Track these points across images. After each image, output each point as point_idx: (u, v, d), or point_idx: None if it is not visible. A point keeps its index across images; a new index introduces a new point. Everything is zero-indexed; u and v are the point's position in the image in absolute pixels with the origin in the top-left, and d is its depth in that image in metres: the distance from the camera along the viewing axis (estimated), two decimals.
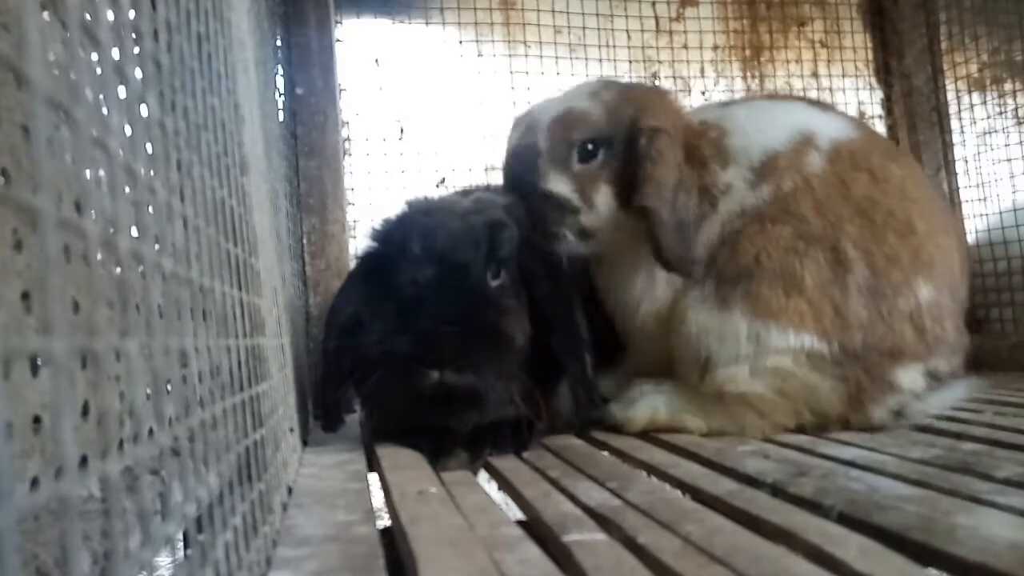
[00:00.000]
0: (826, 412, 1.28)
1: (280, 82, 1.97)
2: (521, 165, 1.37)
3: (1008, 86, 2.28)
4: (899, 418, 1.28)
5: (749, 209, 1.32)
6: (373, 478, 1.12)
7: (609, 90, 1.41)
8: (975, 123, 2.33)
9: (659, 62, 2.40)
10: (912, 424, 1.27)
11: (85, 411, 0.60)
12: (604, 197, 1.34)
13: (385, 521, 0.88)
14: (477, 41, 2.26)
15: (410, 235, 1.27)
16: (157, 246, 0.47)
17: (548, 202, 1.33)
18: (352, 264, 2.03)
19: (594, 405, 1.28)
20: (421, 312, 1.17)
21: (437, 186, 2.18)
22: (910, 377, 1.28)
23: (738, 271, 1.28)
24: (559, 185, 1.33)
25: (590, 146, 1.34)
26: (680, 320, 1.32)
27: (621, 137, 1.34)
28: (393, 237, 1.31)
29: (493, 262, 1.25)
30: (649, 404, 1.37)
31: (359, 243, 2.06)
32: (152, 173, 0.47)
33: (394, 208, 1.43)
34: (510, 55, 2.28)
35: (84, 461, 0.58)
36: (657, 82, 2.39)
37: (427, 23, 2.24)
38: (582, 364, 1.24)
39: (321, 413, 1.43)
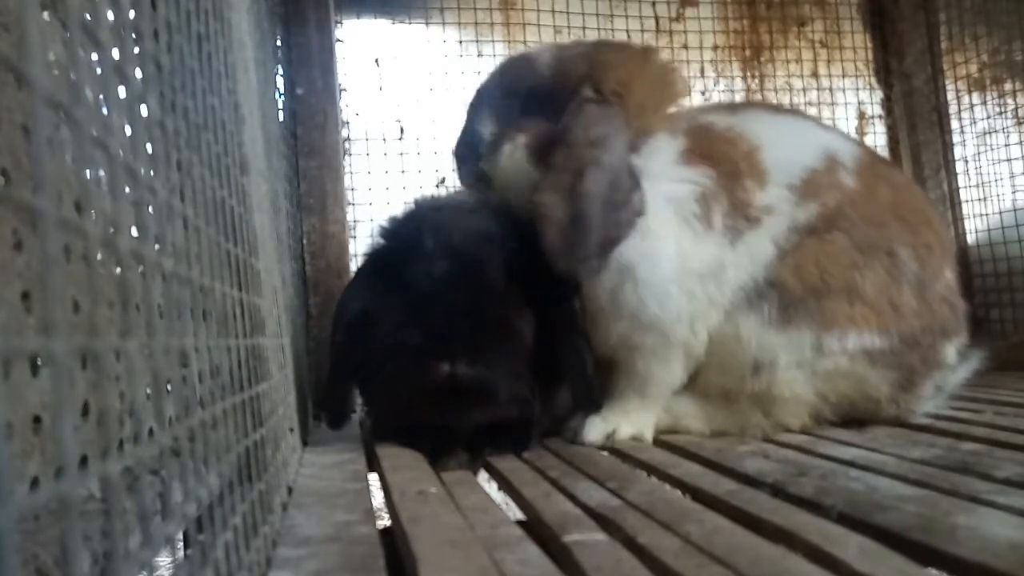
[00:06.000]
0: (875, 398, 1.31)
1: (280, 82, 1.97)
2: None
3: (1008, 86, 2.27)
4: (938, 392, 1.38)
5: (801, 226, 1.31)
6: (373, 478, 1.12)
7: None
8: (975, 123, 2.32)
9: None
10: (947, 394, 1.42)
11: (85, 411, 0.60)
12: None
13: (385, 521, 0.88)
14: (477, 41, 2.26)
15: (422, 230, 1.25)
16: (157, 246, 0.47)
17: None
18: (352, 264, 2.03)
19: (592, 403, 1.27)
20: (433, 306, 1.16)
21: (437, 186, 2.18)
22: (951, 352, 1.37)
23: (805, 291, 1.28)
24: None
25: None
26: (734, 339, 1.28)
27: None
28: (404, 233, 1.30)
29: (504, 258, 1.24)
30: None
31: (359, 243, 2.06)
32: (152, 173, 0.47)
33: (398, 207, 1.42)
34: (510, 55, 2.28)
35: (84, 461, 0.58)
36: None
37: (427, 23, 2.24)
38: (582, 360, 1.23)
39: (327, 410, 1.41)
